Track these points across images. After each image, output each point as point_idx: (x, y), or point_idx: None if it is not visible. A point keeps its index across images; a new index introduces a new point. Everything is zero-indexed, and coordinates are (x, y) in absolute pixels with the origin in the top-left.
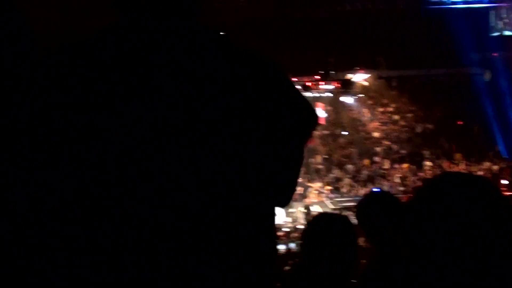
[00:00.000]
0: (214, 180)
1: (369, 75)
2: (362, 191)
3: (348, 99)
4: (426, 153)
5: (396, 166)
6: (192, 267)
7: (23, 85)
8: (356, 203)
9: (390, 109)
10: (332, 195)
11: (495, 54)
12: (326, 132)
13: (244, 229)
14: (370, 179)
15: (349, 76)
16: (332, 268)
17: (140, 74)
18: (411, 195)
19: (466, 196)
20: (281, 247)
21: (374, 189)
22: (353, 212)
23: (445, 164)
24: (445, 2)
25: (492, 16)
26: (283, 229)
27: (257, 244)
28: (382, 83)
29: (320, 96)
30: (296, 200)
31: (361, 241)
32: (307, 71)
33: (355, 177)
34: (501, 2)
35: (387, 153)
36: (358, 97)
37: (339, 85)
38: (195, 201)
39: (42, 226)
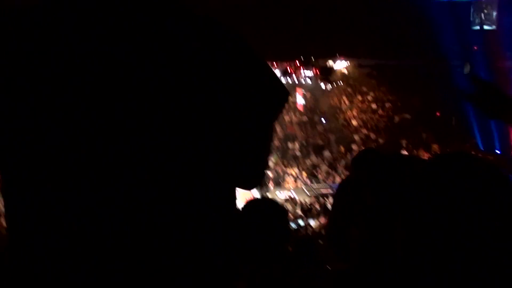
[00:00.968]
0: (173, 159)
1: (348, 63)
2: (339, 178)
3: (327, 87)
4: (404, 142)
5: None
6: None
7: None
8: (333, 190)
9: (369, 97)
10: (309, 182)
11: (475, 48)
12: (304, 118)
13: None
14: (347, 167)
15: (329, 63)
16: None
17: (85, 49)
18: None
19: (482, 179)
20: None
21: None
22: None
23: (422, 155)
24: None
25: (472, 10)
26: None
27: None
28: (361, 71)
29: (299, 83)
30: (273, 186)
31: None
32: (288, 57)
33: (332, 165)
34: None
35: (365, 142)
36: (338, 84)
37: (318, 72)
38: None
39: None
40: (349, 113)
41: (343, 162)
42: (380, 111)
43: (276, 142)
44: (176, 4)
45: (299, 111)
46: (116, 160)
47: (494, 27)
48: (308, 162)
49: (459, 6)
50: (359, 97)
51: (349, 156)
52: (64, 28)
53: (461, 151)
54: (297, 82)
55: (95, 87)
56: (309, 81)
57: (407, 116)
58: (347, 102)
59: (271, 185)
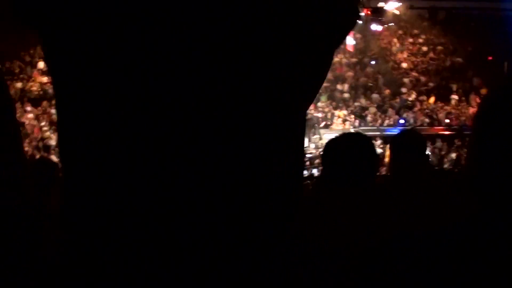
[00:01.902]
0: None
1: (400, 4)
2: (387, 121)
3: (378, 28)
4: (454, 87)
5: (423, 98)
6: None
7: None
8: (381, 133)
9: (420, 40)
10: (356, 124)
11: None
12: (353, 60)
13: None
14: (396, 110)
15: (380, 4)
16: (351, 181)
17: None
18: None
19: None
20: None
21: (400, 120)
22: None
23: (473, 99)
24: None
25: None
26: (307, 156)
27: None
28: (413, 13)
29: None
30: (320, 127)
31: None
32: None
33: (381, 107)
34: None
35: (414, 85)
36: (389, 26)
37: (369, 12)
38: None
39: None
40: (399, 55)
41: (391, 105)
42: (431, 54)
43: (325, 83)
44: None
45: (349, 52)
46: None
47: None
48: (356, 104)
49: None
50: (410, 40)
51: (398, 99)
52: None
53: None
54: None
55: None
56: (359, 22)
57: (459, 59)
58: (397, 44)
59: (319, 127)
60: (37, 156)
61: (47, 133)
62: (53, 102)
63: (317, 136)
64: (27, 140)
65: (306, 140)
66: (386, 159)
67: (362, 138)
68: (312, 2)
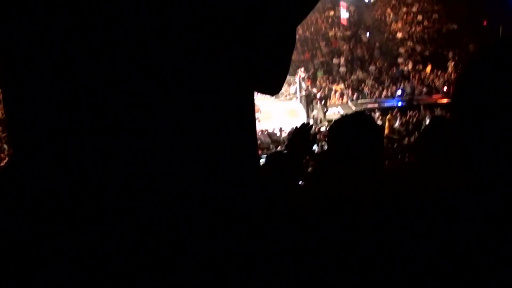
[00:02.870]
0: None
1: None
2: (385, 92)
3: None
4: (450, 54)
5: (419, 67)
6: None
7: None
8: (379, 104)
9: (414, 9)
10: (354, 97)
11: None
12: (348, 33)
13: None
14: (393, 80)
15: None
16: (358, 161)
17: None
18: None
19: None
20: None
21: (398, 91)
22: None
23: None
24: None
25: None
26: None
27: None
28: None
29: None
30: (318, 102)
31: None
32: None
33: (377, 79)
34: None
35: (410, 54)
36: None
37: None
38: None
39: None
40: (394, 25)
41: (387, 76)
42: (425, 22)
43: (320, 58)
44: None
45: (343, 25)
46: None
47: None
48: (353, 77)
49: None
50: (404, 9)
51: (394, 70)
52: None
53: None
54: None
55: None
56: None
57: (454, 26)
58: (392, 14)
59: (317, 103)
60: None
61: None
62: None
63: (315, 112)
64: None
65: (305, 116)
66: (386, 131)
67: (367, 118)
68: None
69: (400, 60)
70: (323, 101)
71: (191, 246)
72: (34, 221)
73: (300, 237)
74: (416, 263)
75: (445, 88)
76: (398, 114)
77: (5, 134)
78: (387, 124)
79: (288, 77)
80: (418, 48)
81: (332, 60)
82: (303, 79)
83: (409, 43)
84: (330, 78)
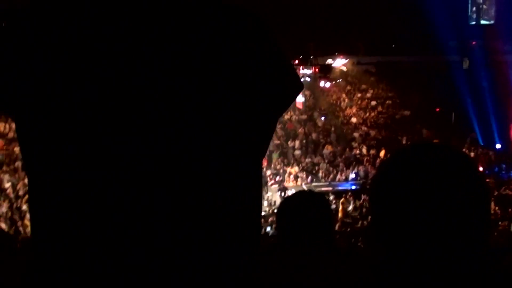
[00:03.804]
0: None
1: (347, 61)
2: (339, 176)
3: (326, 84)
4: (404, 139)
5: (373, 152)
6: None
7: None
8: (333, 188)
9: (368, 95)
10: (309, 180)
11: (474, 43)
12: (304, 116)
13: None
14: (347, 165)
15: (328, 61)
16: (307, 244)
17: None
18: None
19: (440, 170)
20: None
21: (351, 174)
22: (329, 196)
23: None
24: None
25: (470, 5)
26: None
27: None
28: (360, 69)
29: None
30: (273, 184)
31: None
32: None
33: (332, 162)
34: None
35: (365, 139)
36: (337, 82)
37: (317, 70)
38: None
39: None
40: (348, 110)
41: (342, 160)
42: (379, 108)
43: (276, 141)
44: None
45: (299, 109)
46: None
47: (492, 21)
48: (308, 160)
49: (457, 1)
50: (359, 95)
51: (347, 154)
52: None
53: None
54: None
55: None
56: (308, 79)
57: (407, 112)
58: (346, 99)
59: (272, 185)
60: None
61: None
62: None
63: (269, 194)
64: None
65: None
66: (340, 214)
67: (316, 196)
68: (258, 77)
69: (354, 144)
70: (277, 184)
71: None
72: None
73: None
74: None
75: None
76: (352, 197)
77: None
78: (340, 208)
79: None
80: (372, 132)
81: (287, 142)
82: None
83: (363, 128)
84: (285, 160)
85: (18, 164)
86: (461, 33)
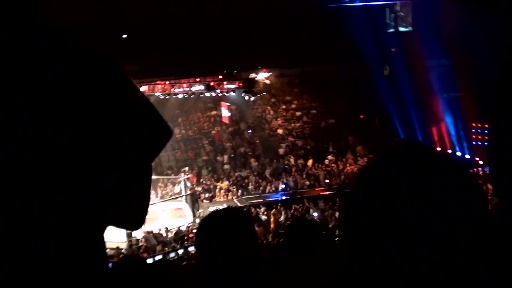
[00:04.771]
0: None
1: (271, 74)
2: (269, 187)
3: (251, 98)
4: (330, 147)
5: (301, 161)
6: None
7: None
8: (264, 199)
9: (293, 105)
10: (239, 194)
11: (393, 50)
12: (230, 129)
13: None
14: (276, 176)
15: (252, 75)
16: (229, 267)
17: None
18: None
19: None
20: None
21: (281, 185)
22: (260, 208)
23: (349, 157)
24: (344, 0)
25: (387, 13)
26: (193, 231)
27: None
28: (284, 80)
29: (223, 95)
30: (204, 199)
31: None
32: (210, 71)
33: (260, 174)
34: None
35: (292, 149)
36: (261, 95)
37: (241, 84)
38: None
39: None
40: (274, 122)
41: (270, 171)
42: (304, 118)
43: (205, 157)
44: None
45: (225, 123)
46: None
47: (410, 28)
48: (237, 174)
49: (374, 10)
50: (283, 106)
51: (275, 165)
52: None
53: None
54: (220, 95)
55: None
56: (233, 94)
57: (332, 121)
58: (271, 112)
59: (203, 201)
60: None
61: None
62: None
63: (201, 211)
64: None
65: (191, 215)
66: (272, 226)
67: (234, 212)
68: (130, 126)
69: (281, 154)
70: (208, 200)
71: None
72: None
73: None
74: None
75: (327, 181)
76: (283, 208)
77: None
78: (272, 219)
79: (172, 177)
80: (299, 143)
81: (216, 158)
82: (188, 178)
83: (290, 138)
84: (215, 175)
85: None
86: (381, 40)
